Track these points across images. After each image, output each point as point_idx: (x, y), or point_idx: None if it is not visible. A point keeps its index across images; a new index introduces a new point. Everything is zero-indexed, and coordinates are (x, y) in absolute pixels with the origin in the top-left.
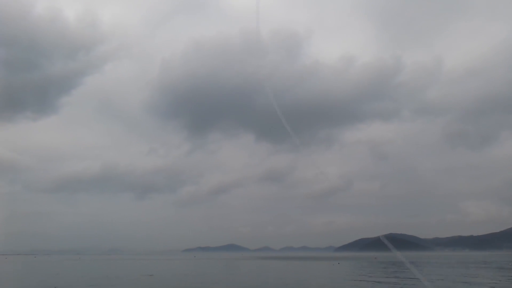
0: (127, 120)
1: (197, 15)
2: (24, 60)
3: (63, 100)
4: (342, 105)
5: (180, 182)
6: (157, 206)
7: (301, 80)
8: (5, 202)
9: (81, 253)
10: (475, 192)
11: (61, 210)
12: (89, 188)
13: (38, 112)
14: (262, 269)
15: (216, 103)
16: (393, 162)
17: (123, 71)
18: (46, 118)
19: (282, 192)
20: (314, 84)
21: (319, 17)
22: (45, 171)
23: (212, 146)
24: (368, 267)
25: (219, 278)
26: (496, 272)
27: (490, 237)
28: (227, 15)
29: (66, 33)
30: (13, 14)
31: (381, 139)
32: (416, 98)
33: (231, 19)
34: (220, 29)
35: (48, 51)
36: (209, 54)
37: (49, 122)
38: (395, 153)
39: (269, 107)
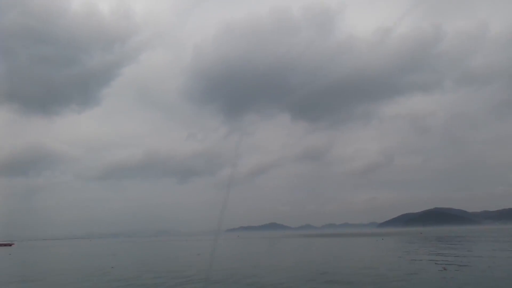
0: (165, 107)
1: None
2: (65, 56)
3: (104, 92)
4: (379, 79)
5: (219, 165)
6: (198, 188)
7: (336, 56)
8: (59, 191)
9: (131, 236)
10: None
11: (109, 196)
12: (134, 175)
13: (82, 105)
14: (306, 246)
15: (250, 85)
16: (436, 135)
17: (158, 60)
18: (90, 110)
19: (321, 170)
20: (349, 59)
21: None
22: (92, 160)
23: (248, 128)
24: (414, 242)
25: (265, 255)
26: None
27: None
28: None
29: (102, 26)
30: (52, 12)
31: (423, 112)
32: (459, 67)
33: None
34: (250, 10)
35: (86, 45)
36: (241, 36)
37: (93, 113)
38: (438, 125)
39: (304, 85)
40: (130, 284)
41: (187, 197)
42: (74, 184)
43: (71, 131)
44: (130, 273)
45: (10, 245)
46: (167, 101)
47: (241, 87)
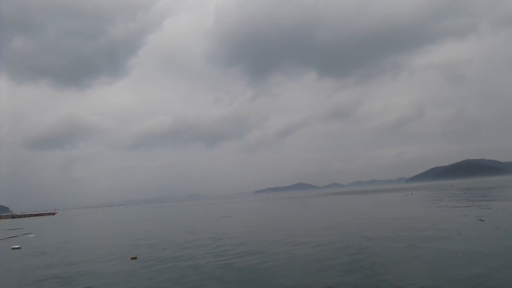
0: (191, 72)
1: None
2: (91, 28)
3: (132, 62)
4: (410, 27)
5: (247, 128)
6: (226, 153)
7: (364, 6)
8: (94, 161)
9: (164, 201)
10: None
11: (141, 164)
12: (163, 142)
13: (112, 76)
14: (335, 204)
15: (275, 44)
16: (470, 84)
17: (182, 24)
18: (120, 81)
19: (349, 128)
20: (380, 8)
21: None
22: (123, 130)
23: (274, 89)
24: (445, 195)
25: (295, 214)
26: None
27: None
28: None
29: None
30: None
31: (456, 60)
32: (499, 7)
33: None
34: None
35: (110, 16)
36: None
37: (122, 84)
38: (473, 74)
39: (330, 40)
40: (169, 246)
41: (216, 162)
42: (107, 154)
43: (102, 103)
44: (165, 236)
45: (53, 214)
46: (193, 66)
47: (265, 46)
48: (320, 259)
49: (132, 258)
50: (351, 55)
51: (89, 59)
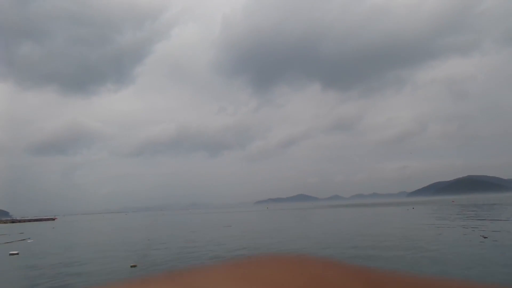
0: (196, 81)
1: None
2: (99, 36)
3: (138, 70)
4: (413, 43)
5: (249, 138)
6: (228, 162)
7: (369, 21)
8: (96, 168)
9: (164, 209)
10: None
11: (143, 171)
12: (166, 150)
13: (118, 83)
14: (335, 217)
15: (280, 55)
16: (473, 100)
17: (189, 34)
18: (125, 89)
19: (351, 140)
20: (384, 23)
21: None
22: (127, 137)
23: (278, 100)
24: (447, 211)
25: (294, 225)
26: None
27: None
28: None
29: (134, 4)
30: None
31: (460, 76)
32: (502, 25)
33: None
34: None
35: (118, 24)
36: (272, 4)
37: (128, 92)
38: (476, 90)
39: (334, 53)
40: (169, 253)
41: (217, 171)
42: (110, 160)
43: (107, 110)
44: (165, 245)
45: (53, 219)
46: (198, 75)
47: (271, 57)
48: None
49: (132, 266)
50: (355, 68)
51: (96, 67)
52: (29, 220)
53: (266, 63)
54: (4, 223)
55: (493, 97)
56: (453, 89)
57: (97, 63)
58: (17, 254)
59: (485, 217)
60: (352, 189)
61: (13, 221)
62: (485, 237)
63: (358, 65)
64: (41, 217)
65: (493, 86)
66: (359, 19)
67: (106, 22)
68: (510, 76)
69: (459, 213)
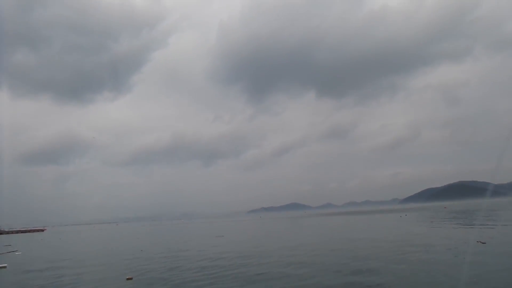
0: (193, 89)
1: None
2: (97, 44)
3: (135, 78)
4: (408, 50)
5: (244, 146)
6: (222, 171)
7: (364, 29)
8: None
9: (156, 219)
10: None
11: (136, 181)
12: (160, 159)
13: (115, 92)
14: (328, 225)
15: (276, 63)
16: (466, 106)
17: (186, 42)
18: (122, 97)
19: (345, 148)
20: (380, 30)
21: None
22: (120, 146)
23: (274, 108)
24: (440, 217)
25: (286, 235)
26: None
27: None
28: None
29: (133, 13)
30: (88, 3)
31: (452, 82)
32: (494, 32)
33: None
34: None
35: (116, 33)
36: (269, 11)
37: (125, 100)
38: (469, 96)
39: (330, 60)
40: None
41: (211, 180)
42: (102, 170)
43: (103, 118)
44: (159, 256)
45: (42, 230)
46: (195, 83)
47: (267, 65)
48: None
49: (128, 279)
50: (350, 75)
51: (93, 75)
52: (17, 231)
53: (262, 70)
54: None
55: (486, 103)
56: (446, 95)
57: (94, 71)
58: (5, 267)
59: (479, 222)
60: (345, 196)
61: (0, 233)
62: (483, 243)
63: (353, 72)
64: (29, 228)
65: (485, 92)
66: (355, 26)
67: (104, 30)
68: (502, 81)
69: (451, 219)
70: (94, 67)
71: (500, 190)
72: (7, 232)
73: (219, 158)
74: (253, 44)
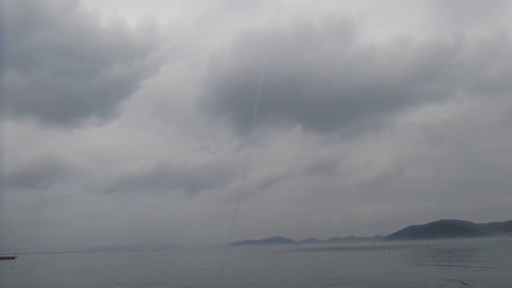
0: (181, 118)
1: (249, 8)
2: (87, 70)
3: (123, 105)
4: (393, 89)
5: (229, 177)
6: (206, 201)
7: (354, 66)
8: (66, 204)
9: (135, 250)
10: None
11: (116, 208)
12: (142, 187)
13: (102, 117)
14: (311, 261)
15: (265, 96)
16: (448, 146)
17: (177, 71)
18: (110, 123)
19: (330, 182)
20: (367, 69)
21: (372, 0)
22: (104, 172)
23: (261, 140)
24: (423, 256)
25: (269, 270)
26: None
27: None
28: (278, 6)
29: (126, 41)
30: (82, 29)
31: (435, 122)
32: (474, 76)
33: (282, 9)
34: (271, 20)
35: (107, 60)
36: (261, 45)
37: (112, 126)
38: (451, 135)
39: (317, 96)
40: None
41: (194, 210)
42: (82, 196)
43: (87, 144)
44: None
45: (13, 258)
46: (183, 112)
47: (255, 97)
48: None
49: None
50: (336, 111)
51: (81, 99)
52: None
53: (250, 102)
54: None
55: (466, 143)
56: (429, 134)
57: (81, 95)
58: None
59: (461, 262)
60: (329, 232)
61: None
62: (465, 284)
63: (339, 108)
64: None
65: (466, 132)
66: (343, 63)
67: (96, 56)
68: (481, 123)
69: (434, 259)
70: (83, 92)
71: (481, 230)
72: None
73: (203, 188)
74: (243, 77)
